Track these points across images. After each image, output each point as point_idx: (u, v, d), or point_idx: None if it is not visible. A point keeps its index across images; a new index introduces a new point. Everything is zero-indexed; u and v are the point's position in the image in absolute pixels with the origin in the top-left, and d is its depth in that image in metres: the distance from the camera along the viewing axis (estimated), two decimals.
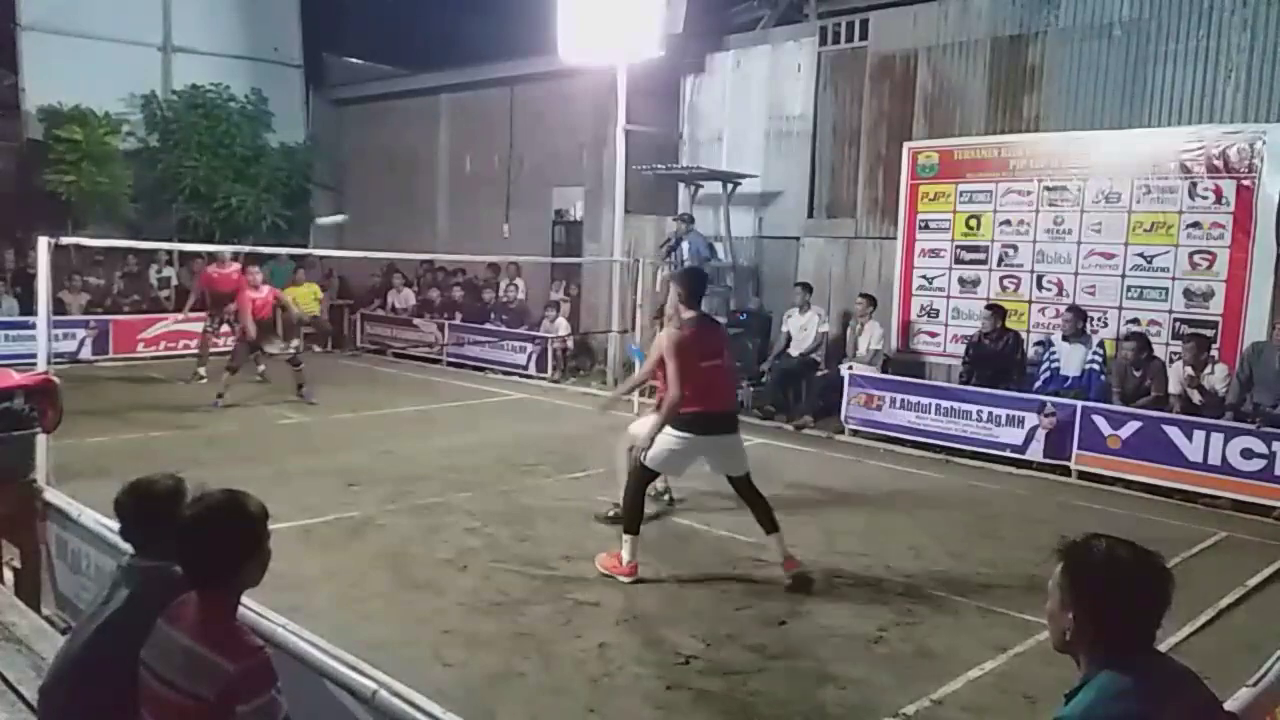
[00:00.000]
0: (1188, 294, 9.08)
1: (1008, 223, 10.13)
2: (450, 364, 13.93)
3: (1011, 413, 8.68)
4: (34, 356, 6.27)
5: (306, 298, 14.21)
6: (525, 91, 15.17)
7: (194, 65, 16.29)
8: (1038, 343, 9.65)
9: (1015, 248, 10.09)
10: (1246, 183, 8.70)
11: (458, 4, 17.40)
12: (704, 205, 12.47)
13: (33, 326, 7.21)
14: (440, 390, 12.07)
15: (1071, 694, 1.97)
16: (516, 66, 14.85)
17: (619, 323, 11.91)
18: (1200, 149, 8.90)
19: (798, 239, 12.17)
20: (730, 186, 12.03)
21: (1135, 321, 9.25)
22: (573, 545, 6.05)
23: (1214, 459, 7.57)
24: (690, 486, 6.72)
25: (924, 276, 10.77)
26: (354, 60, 18.81)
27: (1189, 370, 8.16)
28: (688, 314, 5.51)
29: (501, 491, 7.25)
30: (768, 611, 5.09)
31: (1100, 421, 8.16)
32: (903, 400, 9.39)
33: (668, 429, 5.35)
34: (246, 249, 12.19)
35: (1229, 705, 2.33)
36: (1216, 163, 8.82)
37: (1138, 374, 8.44)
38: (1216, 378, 8.11)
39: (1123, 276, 9.43)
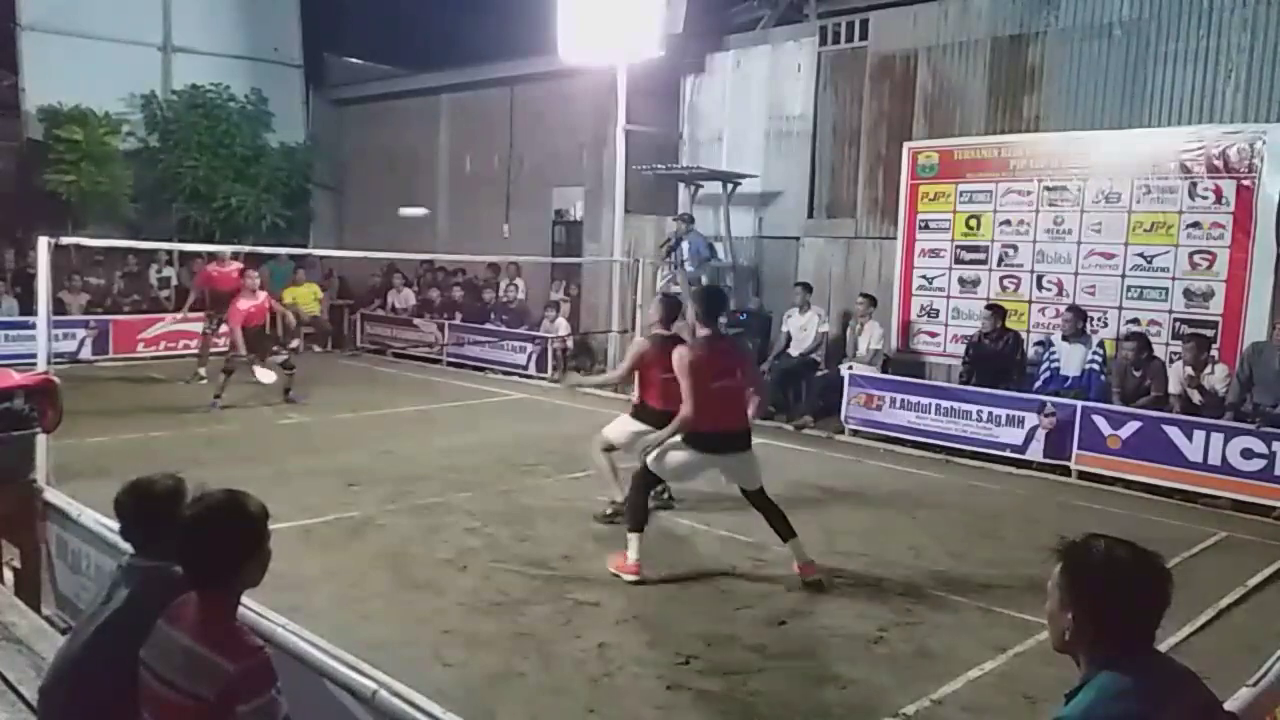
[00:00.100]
0: (1188, 294, 9.08)
1: (1008, 223, 10.13)
2: (450, 364, 13.92)
3: (1011, 413, 8.68)
4: (34, 356, 6.28)
5: (306, 298, 14.25)
6: (525, 91, 15.17)
7: (194, 65, 16.29)
8: (1038, 343, 9.65)
9: (1015, 248, 10.09)
10: (1246, 183, 8.70)
11: (458, 4, 17.40)
12: (704, 205, 12.47)
13: (33, 326, 7.21)
14: (440, 390, 12.07)
15: (1071, 694, 1.97)
16: (516, 66, 14.85)
17: (619, 323, 11.92)
18: (1200, 149, 8.90)
19: (798, 239, 12.18)
20: (730, 186, 12.04)
21: (1135, 321, 9.25)
22: (573, 545, 6.05)
23: (1214, 459, 7.57)
24: (690, 487, 6.71)
25: (924, 276, 10.77)
26: (354, 60, 18.82)
27: (1189, 370, 8.16)
28: (703, 332, 5.50)
29: (501, 491, 7.25)
30: (768, 611, 5.09)
31: (1100, 421, 8.16)
32: (903, 400, 9.39)
33: (679, 440, 5.37)
34: (247, 249, 12.21)
35: (1229, 705, 2.33)
36: (1216, 163, 8.82)
37: (1138, 374, 8.44)
38: (1216, 378, 8.11)
39: (1123, 276, 9.43)
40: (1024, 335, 9.76)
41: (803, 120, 12.08)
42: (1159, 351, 8.72)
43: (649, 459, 5.54)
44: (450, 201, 16.77)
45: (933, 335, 10.75)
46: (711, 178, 12.19)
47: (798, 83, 12.10)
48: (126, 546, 2.82)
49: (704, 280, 11.42)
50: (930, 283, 10.73)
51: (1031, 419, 8.53)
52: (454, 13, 17.46)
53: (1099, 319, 9.42)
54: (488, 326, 13.99)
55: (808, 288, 10.99)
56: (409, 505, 6.77)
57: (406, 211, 11.73)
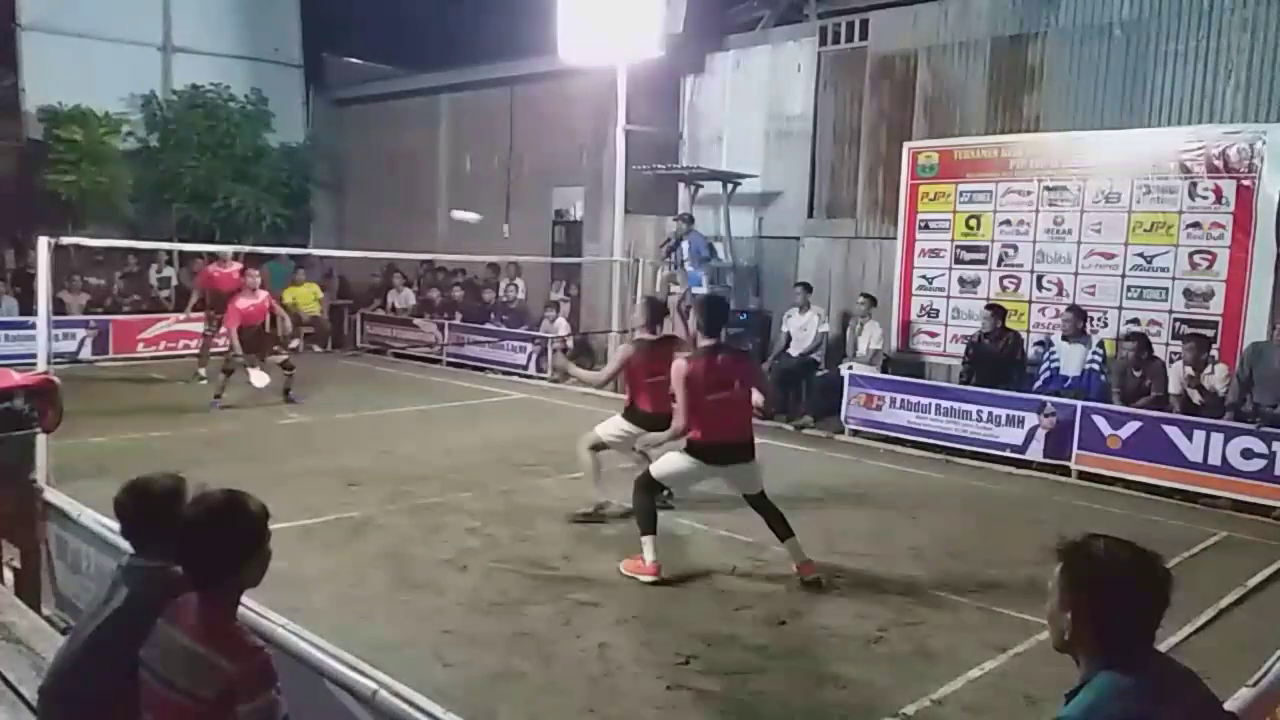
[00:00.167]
0: (1188, 294, 9.07)
1: (1008, 223, 10.13)
2: (450, 364, 13.92)
3: (1011, 413, 8.68)
4: (34, 356, 6.28)
5: (306, 298, 14.26)
6: (525, 91, 15.17)
7: (194, 65, 16.31)
8: (1038, 343, 9.65)
9: (1015, 248, 10.09)
10: (1246, 183, 8.69)
11: (458, 4, 17.39)
12: (704, 205, 12.47)
13: (33, 326, 7.20)
14: (440, 390, 12.07)
15: (1071, 694, 1.97)
16: (516, 66, 14.85)
17: (619, 323, 11.91)
18: (1200, 149, 8.90)
19: (798, 239, 12.18)
20: (730, 186, 12.04)
21: (1135, 321, 9.24)
22: (573, 545, 6.05)
23: (1214, 459, 7.57)
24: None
25: (924, 276, 10.76)
26: (354, 60, 18.83)
27: (1189, 370, 8.16)
28: (703, 343, 5.48)
29: (501, 491, 7.24)
30: (768, 611, 5.09)
31: (1100, 421, 8.16)
32: (903, 400, 9.39)
33: (682, 448, 5.38)
34: (247, 249, 12.21)
35: (1229, 705, 2.33)
36: (1216, 163, 8.82)
37: (1138, 374, 8.44)
38: (1216, 378, 8.11)
39: (1123, 276, 9.42)
40: (1024, 335, 9.76)
41: (803, 120, 12.08)
42: (1159, 351, 8.71)
43: (652, 466, 5.56)
44: (450, 201, 16.74)
45: (933, 335, 10.75)
46: (711, 178, 12.19)
47: (797, 83, 12.10)
48: (126, 546, 2.82)
49: (704, 280, 11.45)
50: (930, 283, 10.73)
51: (1031, 419, 8.53)
52: (454, 13, 17.44)
53: (1099, 319, 9.42)
54: (488, 326, 13.99)
55: (808, 288, 10.98)
56: (409, 505, 6.77)
57: (459, 215, 11.40)
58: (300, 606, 4.48)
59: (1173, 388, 8.26)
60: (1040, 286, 9.95)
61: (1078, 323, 8.99)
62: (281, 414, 10.11)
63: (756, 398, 5.70)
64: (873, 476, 8.35)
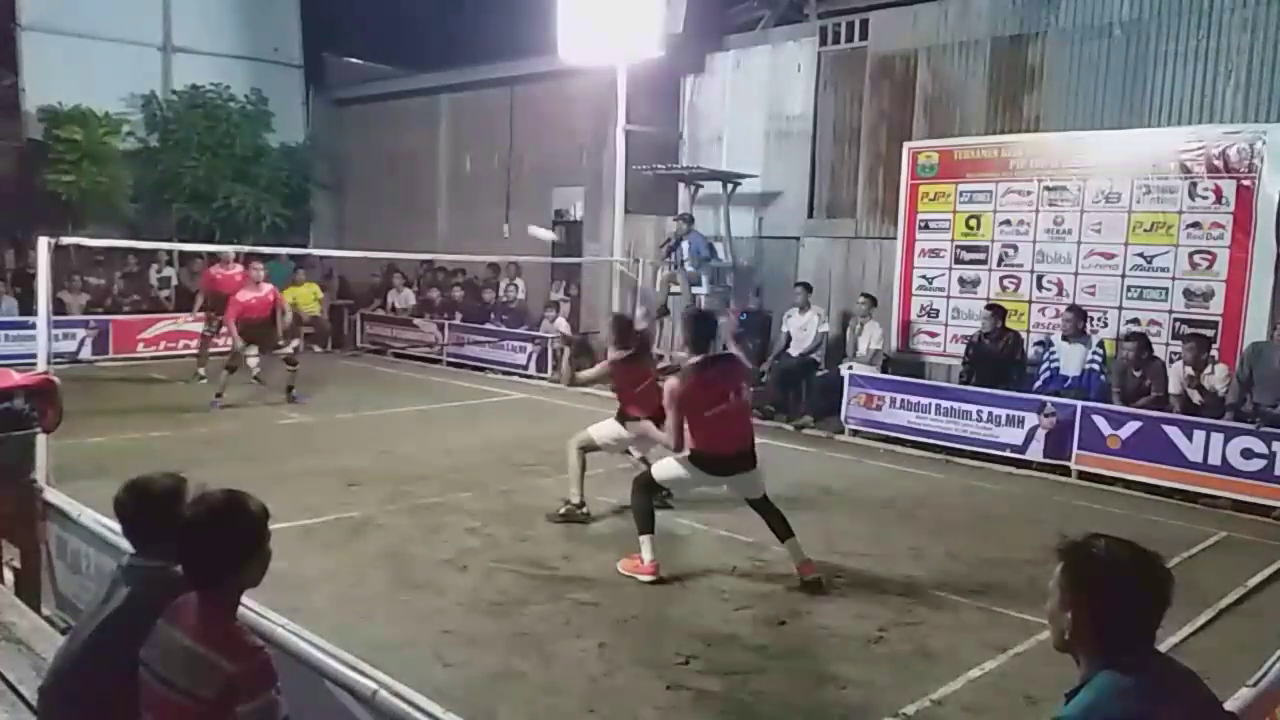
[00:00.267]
0: (1188, 294, 9.07)
1: (1008, 223, 10.13)
2: (450, 364, 13.92)
3: (1011, 413, 8.68)
4: (34, 356, 6.28)
5: (306, 298, 14.25)
6: (525, 91, 15.17)
7: (194, 65, 16.31)
8: (1038, 343, 9.65)
9: (1015, 248, 10.09)
10: (1246, 183, 8.69)
11: (458, 4, 17.39)
12: (704, 205, 12.47)
13: (33, 326, 7.20)
14: (440, 390, 12.07)
15: (1071, 694, 1.97)
16: (516, 66, 14.85)
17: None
18: (1200, 149, 8.90)
19: (798, 239, 12.18)
20: (730, 186, 12.03)
21: (1135, 321, 9.24)
22: (573, 545, 6.05)
23: (1214, 459, 7.57)
24: None
25: (924, 276, 10.76)
26: (354, 60, 18.83)
27: (1189, 370, 8.16)
28: (692, 360, 5.46)
29: (501, 491, 7.25)
30: (768, 611, 5.09)
31: (1100, 421, 8.16)
32: (903, 400, 9.39)
33: (684, 456, 5.37)
34: (247, 249, 12.21)
35: (1229, 705, 2.33)
36: (1216, 163, 8.82)
37: (1138, 374, 8.44)
38: (1216, 378, 8.11)
39: (1123, 276, 9.42)
40: (1024, 335, 9.76)
41: (803, 120, 12.08)
42: (1159, 351, 8.71)
43: (654, 468, 5.57)
44: (450, 201, 16.77)
45: (933, 335, 10.75)
46: (711, 178, 12.19)
47: (797, 83, 12.10)
48: (127, 546, 2.81)
49: (704, 280, 11.45)
50: (930, 283, 10.73)
51: (1031, 419, 8.53)
52: (454, 13, 17.45)
53: (1099, 319, 9.42)
54: (488, 326, 13.99)
55: (808, 288, 10.98)
56: (409, 505, 6.77)
57: (535, 232, 10.87)
58: (300, 606, 4.49)
59: (1173, 388, 8.26)
60: (1040, 286, 9.95)
61: (1078, 323, 8.99)
62: (281, 414, 10.11)
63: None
64: (873, 476, 8.36)
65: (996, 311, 9.46)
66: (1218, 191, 8.85)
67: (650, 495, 5.62)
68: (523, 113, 15.34)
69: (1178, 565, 5.57)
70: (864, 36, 11.54)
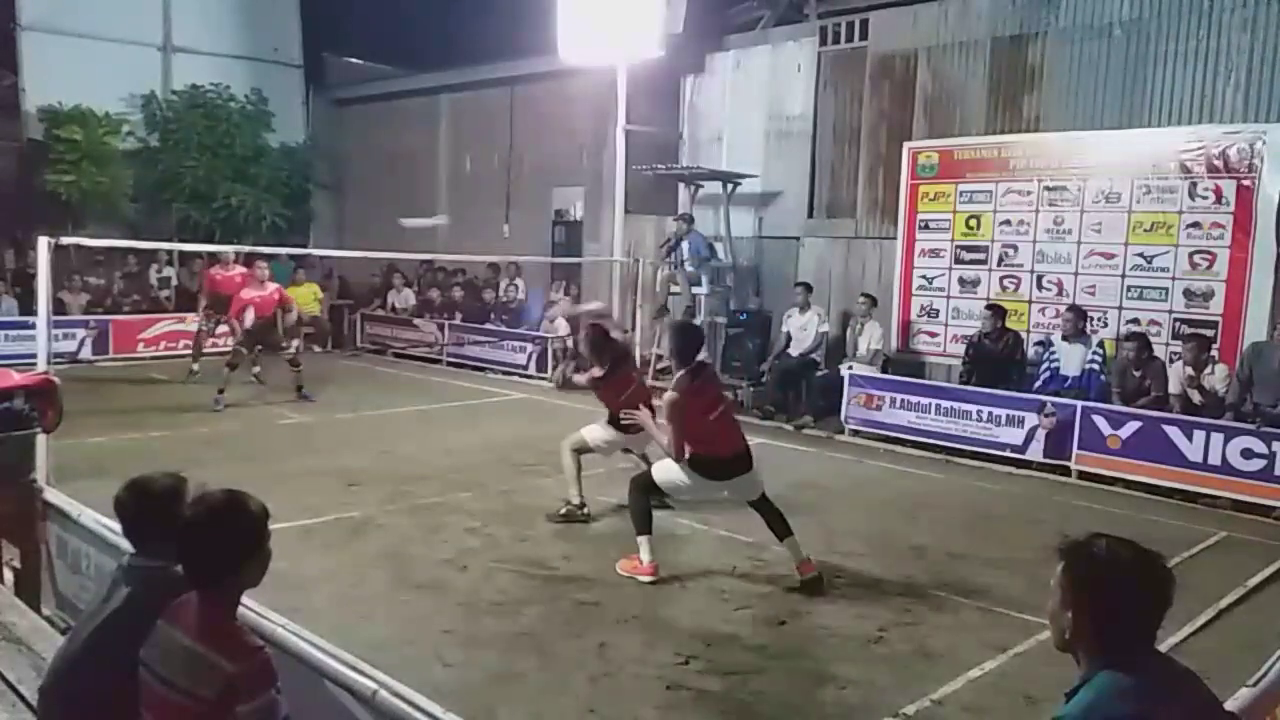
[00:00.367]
0: (1188, 294, 9.07)
1: (1008, 223, 10.13)
2: (450, 364, 13.92)
3: (1011, 413, 8.68)
4: (34, 356, 6.28)
5: (306, 298, 14.22)
6: (525, 91, 15.17)
7: (194, 65, 16.31)
8: (1038, 343, 9.65)
9: (1015, 248, 10.09)
10: (1246, 183, 8.69)
11: (458, 4, 17.40)
12: (704, 205, 12.47)
13: (33, 326, 7.21)
14: (440, 390, 12.07)
15: (1071, 693, 1.98)
16: (516, 66, 14.86)
17: (619, 323, 11.90)
18: (1200, 149, 8.90)
19: (798, 239, 12.18)
20: (730, 186, 12.04)
21: (1135, 321, 9.25)
22: (573, 545, 6.05)
23: (1214, 459, 7.57)
24: None
25: (924, 276, 10.76)
26: (354, 60, 18.83)
27: (1189, 370, 8.16)
28: (679, 372, 5.52)
29: (501, 491, 7.25)
30: (768, 611, 5.09)
31: (1100, 421, 8.16)
32: (903, 400, 9.39)
33: (684, 463, 5.39)
34: (247, 249, 12.21)
35: (1229, 705, 2.33)
36: (1216, 163, 8.82)
37: (1138, 374, 8.43)
38: (1216, 378, 8.11)
39: (1123, 276, 9.42)
40: (1024, 335, 9.75)
41: (803, 120, 12.08)
42: (1159, 351, 8.71)
43: (654, 471, 5.58)
44: (450, 201, 16.76)
45: (933, 335, 10.75)
46: (711, 178, 12.19)
47: (797, 83, 12.10)
48: (127, 546, 2.81)
49: (704, 280, 11.45)
50: (930, 283, 10.73)
51: (1031, 419, 8.53)
52: (454, 13, 17.44)
53: (1099, 319, 9.42)
54: (488, 326, 13.99)
55: (808, 288, 10.98)
56: (409, 505, 6.77)
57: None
58: (300, 606, 4.48)
59: (1173, 388, 8.26)
60: (1040, 286, 9.95)
61: (1078, 323, 8.99)
62: (281, 414, 10.11)
63: None
64: (873, 476, 8.36)
65: (996, 311, 9.46)
66: (1218, 191, 8.85)
67: (648, 496, 5.63)
68: (523, 113, 15.34)
69: (1178, 565, 5.56)
70: (864, 36, 11.54)
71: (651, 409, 5.93)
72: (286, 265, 14.40)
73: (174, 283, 15.36)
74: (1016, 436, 8.62)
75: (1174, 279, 9.14)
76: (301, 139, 17.52)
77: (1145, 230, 9.27)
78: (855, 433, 9.67)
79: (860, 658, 4.57)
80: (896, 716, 3.98)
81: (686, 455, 5.34)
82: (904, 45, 11.15)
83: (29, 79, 14.81)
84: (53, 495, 4.99)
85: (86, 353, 13.02)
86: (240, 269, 11.58)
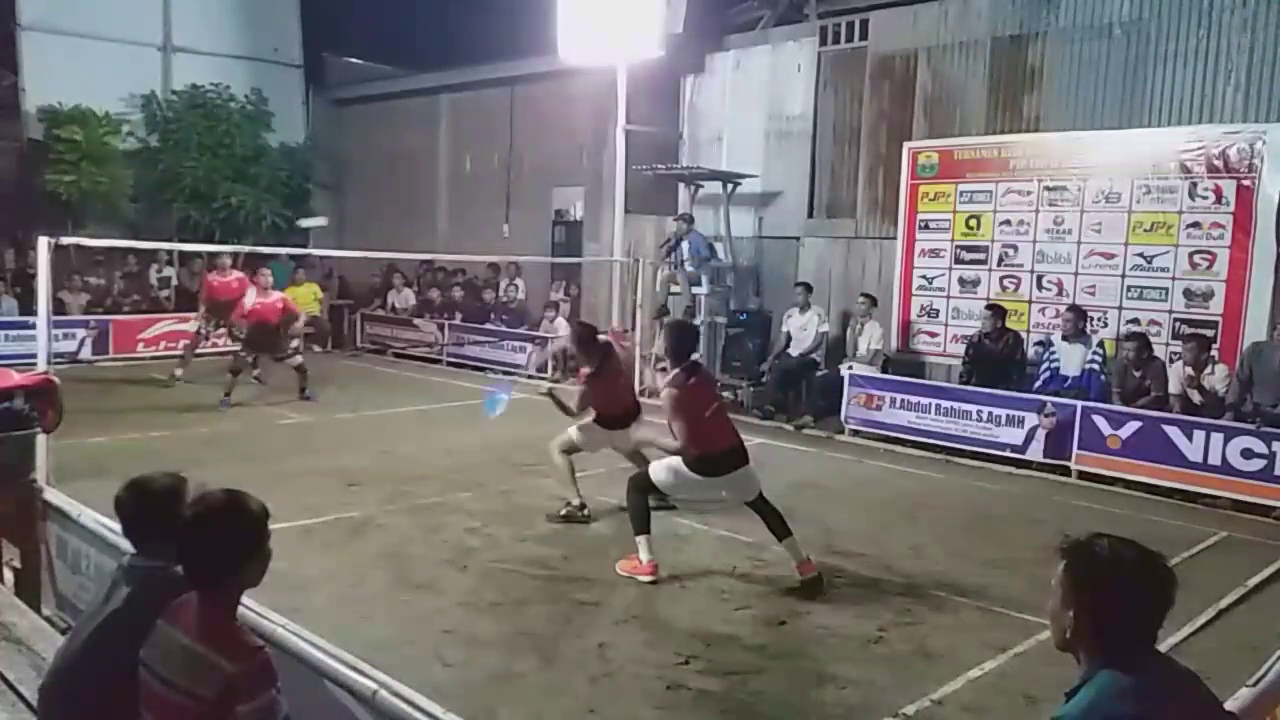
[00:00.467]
0: (1188, 294, 9.07)
1: (1008, 223, 10.13)
2: (450, 364, 13.92)
3: (1011, 413, 8.68)
4: (34, 356, 6.28)
5: (306, 298, 14.23)
6: (525, 91, 15.17)
7: (194, 65, 16.30)
8: (1038, 343, 9.65)
9: (1015, 248, 10.09)
10: (1246, 183, 8.69)
11: (458, 4, 17.40)
12: (704, 205, 12.47)
13: (33, 326, 7.21)
14: (440, 390, 12.07)
15: (1071, 693, 1.97)
16: (516, 66, 14.85)
17: (619, 323, 11.90)
18: (1200, 149, 8.90)
19: (798, 239, 12.18)
20: (730, 186, 12.04)
21: (1135, 321, 9.24)
22: (573, 545, 6.05)
23: (1214, 459, 7.57)
24: None
25: (924, 276, 10.76)
26: (354, 60, 18.83)
27: (1189, 370, 8.16)
28: (675, 370, 5.57)
29: (501, 491, 7.25)
30: (768, 611, 5.09)
31: (1100, 421, 8.16)
32: (903, 400, 9.39)
33: (683, 461, 5.40)
34: (246, 249, 12.21)
35: (1229, 705, 2.33)
36: (1216, 163, 8.82)
37: (1138, 374, 8.44)
38: (1216, 378, 8.11)
39: (1123, 276, 9.42)
40: (1024, 335, 9.75)
41: (803, 120, 12.08)
42: (1159, 351, 8.71)
43: (652, 471, 5.57)
44: (450, 201, 16.77)
45: (933, 335, 10.75)
46: (711, 178, 12.19)
47: (797, 83, 12.10)
48: (127, 546, 2.82)
49: (704, 280, 11.45)
50: (930, 283, 10.73)
51: (1031, 419, 8.53)
52: (454, 13, 17.45)
53: (1099, 319, 9.42)
54: (488, 326, 13.99)
55: (808, 288, 10.99)
56: (409, 505, 6.77)
57: (306, 222, 11.47)
58: (300, 606, 4.49)
59: (1173, 388, 8.26)
60: (1040, 286, 9.95)
61: (1078, 323, 8.99)
62: (281, 414, 10.11)
63: None
64: (873, 476, 8.36)
65: (996, 311, 9.46)
66: (1218, 191, 8.85)
67: (646, 496, 5.62)
68: (523, 113, 15.34)
69: (1178, 565, 5.54)
70: (864, 36, 11.54)
71: (638, 408, 6.02)
72: (286, 265, 14.42)
73: (174, 283, 15.36)
74: (1016, 436, 8.62)
75: (1174, 279, 9.14)
76: (301, 139, 17.51)
77: (1145, 230, 9.27)
78: (855, 433, 9.67)
79: (860, 658, 4.56)
80: (896, 716, 3.98)
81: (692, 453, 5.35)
82: (904, 45, 11.15)
83: (29, 79, 14.80)
84: (53, 495, 5.00)
85: (86, 353, 13.02)
86: (237, 274, 11.58)
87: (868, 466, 8.70)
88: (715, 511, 6.45)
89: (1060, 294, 9.77)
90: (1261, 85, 8.80)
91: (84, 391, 9.66)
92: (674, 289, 11.88)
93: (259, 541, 2.36)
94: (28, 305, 12.03)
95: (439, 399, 11.44)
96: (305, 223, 10.88)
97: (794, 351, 10.73)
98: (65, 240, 7.01)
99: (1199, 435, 7.65)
